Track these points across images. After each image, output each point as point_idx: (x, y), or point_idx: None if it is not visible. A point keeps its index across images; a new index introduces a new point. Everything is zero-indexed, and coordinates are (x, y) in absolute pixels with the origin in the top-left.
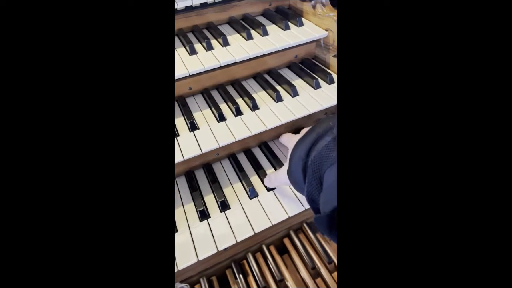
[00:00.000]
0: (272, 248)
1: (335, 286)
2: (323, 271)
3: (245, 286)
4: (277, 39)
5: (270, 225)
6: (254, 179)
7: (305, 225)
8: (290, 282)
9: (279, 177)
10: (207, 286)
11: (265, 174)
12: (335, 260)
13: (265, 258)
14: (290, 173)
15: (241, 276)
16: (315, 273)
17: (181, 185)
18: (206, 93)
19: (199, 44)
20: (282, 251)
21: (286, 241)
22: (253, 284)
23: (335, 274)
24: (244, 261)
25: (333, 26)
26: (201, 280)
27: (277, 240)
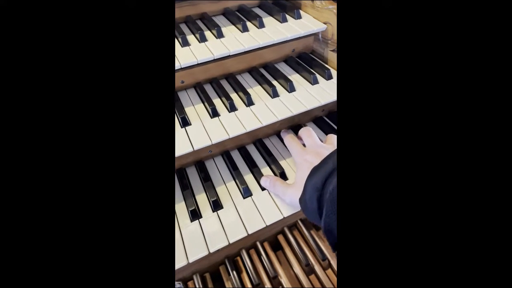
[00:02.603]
0: (266, 244)
1: (329, 282)
2: (317, 268)
3: (238, 282)
4: (274, 31)
5: (264, 225)
6: (248, 177)
7: (299, 221)
8: (283, 278)
9: (286, 195)
10: (200, 283)
11: (260, 173)
12: (329, 257)
13: (259, 255)
14: (302, 201)
15: (234, 272)
16: (308, 270)
17: None
18: (199, 87)
19: (192, 36)
20: (276, 247)
21: (280, 237)
22: (247, 281)
23: (328, 271)
24: (238, 258)
25: (332, 20)
26: (194, 276)
27: (271, 237)
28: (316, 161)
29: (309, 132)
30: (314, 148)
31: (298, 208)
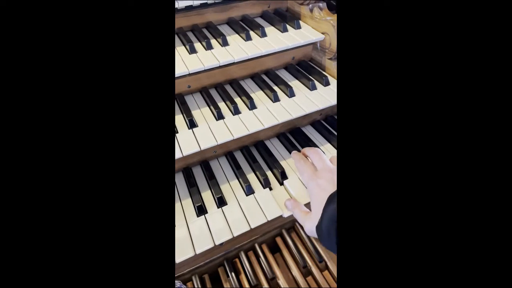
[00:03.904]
0: (264, 246)
1: (326, 284)
2: (314, 270)
3: (237, 284)
4: (275, 40)
5: (266, 221)
6: (251, 176)
7: (297, 224)
8: (281, 280)
9: (305, 225)
10: (199, 284)
11: (262, 172)
12: (326, 259)
13: (257, 257)
14: (319, 229)
15: (233, 274)
16: (306, 272)
17: (179, 181)
18: (204, 92)
19: (199, 43)
20: (274, 249)
21: (278, 240)
22: (245, 282)
23: (325, 272)
24: (237, 259)
25: (330, 30)
26: (193, 277)
27: (270, 239)
28: (330, 188)
29: (319, 155)
30: (326, 172)
31: (316, 236)
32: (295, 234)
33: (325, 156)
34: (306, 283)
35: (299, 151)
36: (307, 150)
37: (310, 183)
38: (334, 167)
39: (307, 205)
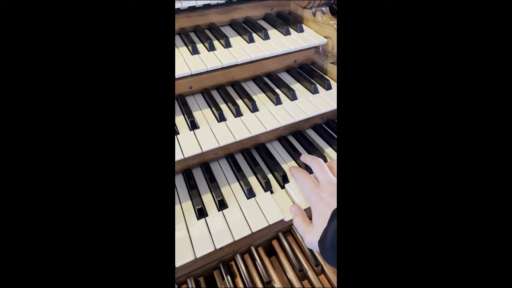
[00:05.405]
0: (260, 249)
1: None
2: (310, 274)
3: (232, 287)
4: (278, 43)
5: (267, 224)
6: (252, 179)
7: (294, 227)
8: (277, 283)
9: (305, 237)
10: (194, 287)
11: (263, 175)
12: (322, 263)
13: (253, 260)
14: (322, 243)
15: (228, 277)
16: (302, 275)
17: (179, 183)
18: (206, 93)
19: (201, 45)
20: (271, 253)
21: (275, 243)
22: (241, 286)
23: (322, 276)
24: (232, 262)
25: (333, 34)
26: (188, 280)
27: (266, 242)
28: (334, 202)
29: (320, 165)
30: (329, 185)
31: (317, 249)
32: (291, 237)
33: (326, 166)
34: (302, 287)
35: (300, 154)
36: (307, 158)
37: (312, 197)
38: (335, 179)
39: (307, 210)
